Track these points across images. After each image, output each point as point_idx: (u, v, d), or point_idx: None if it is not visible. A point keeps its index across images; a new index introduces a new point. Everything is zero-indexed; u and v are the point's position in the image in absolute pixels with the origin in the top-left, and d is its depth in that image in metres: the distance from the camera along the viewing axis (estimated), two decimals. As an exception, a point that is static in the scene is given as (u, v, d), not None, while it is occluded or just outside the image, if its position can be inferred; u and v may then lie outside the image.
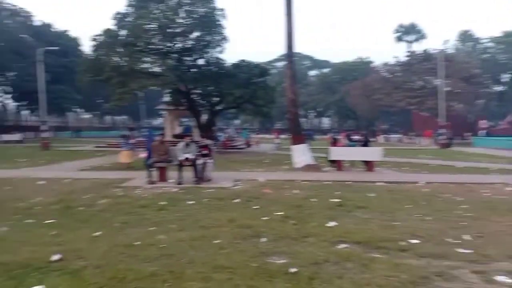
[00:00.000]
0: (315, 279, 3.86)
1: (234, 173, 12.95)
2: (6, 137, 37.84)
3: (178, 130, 31.30)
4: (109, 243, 5.02)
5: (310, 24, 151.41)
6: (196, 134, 23.29)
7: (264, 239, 5.21)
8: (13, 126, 51.66)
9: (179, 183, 10.21)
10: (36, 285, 3.64)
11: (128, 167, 14.51)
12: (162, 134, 12.97)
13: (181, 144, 11.08)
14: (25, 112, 60.89)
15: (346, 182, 10.89)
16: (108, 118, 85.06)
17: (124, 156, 15.28)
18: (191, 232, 5.56)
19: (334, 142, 16.91)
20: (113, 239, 5.23)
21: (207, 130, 24.48)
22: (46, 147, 26.29)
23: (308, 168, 14.08)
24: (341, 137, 21.26)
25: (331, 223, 6.05)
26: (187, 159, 10.62)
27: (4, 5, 50.99)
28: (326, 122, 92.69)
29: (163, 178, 10.97)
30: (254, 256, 4.49)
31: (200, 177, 10.63)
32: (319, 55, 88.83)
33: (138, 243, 5.02)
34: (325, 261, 4.35)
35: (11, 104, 58.29)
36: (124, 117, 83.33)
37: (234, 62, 25.47)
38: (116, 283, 3.73)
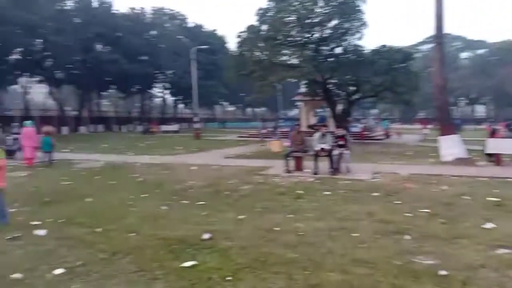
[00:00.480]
0: (469, 285, 3.46)
1: (372, 165, 12.39)
2: (165, 127, 43.58)
3: (313, 120, 31.50)
4: (252, 226, 5.36)
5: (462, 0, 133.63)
6: (331, 125, 23.07)
7: (407, 237, 4.87)
8: (171, 118, 59.31)
9: (315, 173, 10.26)
10: (190, 260, 4.07)
11: (278, 155, 15.18)
12: (298, 125, 13.23)
13: (317, 135, 11.11)
14: (180, 106, 69.21)
15: (507, 179, 9.41)
16: (249, 110, 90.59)
17: (275, 145, 16.49)
18: (329, 222, 5.53)
19: (493, 133, 14.78)
20: (255, 223, 5.55)
21: (342, 120, 24.00)
22: (198, 137, 29.38)
23: (459, 162, 12.61)
24: (500, 127, 18.48)
25: (488, 225, 5.31)
26: (323, 149, 10.59)
27: (164, 10, 58.57)
28: (480, 110, 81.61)
29: (299, 167, 11.18)
30: (397, 254, 4.23)
31: (336, 168, 10.49)
32: (473, 35, 78.35)
33: (278, 228, 5.22)
34: (481, 267, 3.84)
35: (169, 98, 66.83)
36: (263, 109, 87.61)
37: (374, 48, 24.26)
38: (259, 264, 3.95)
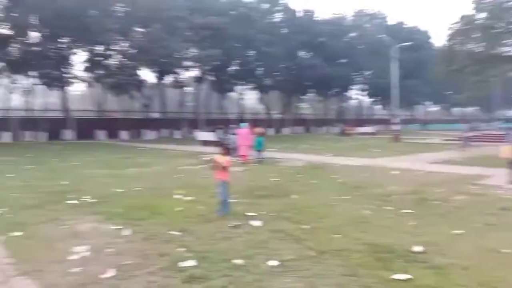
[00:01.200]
0: None
1: None
2: (362, 129, 43.06)
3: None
4: (473, 244, 4.64)
5: None
6: None
7: None
8: (367, 120, 58.38)
9: (555, 188, 8.24)
10: (401, 273, 3.76)
11: (495, 163, 13.06)
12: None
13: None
14: (377, 107, 67.32)
15: None
16: (456, 110, 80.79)
17: (506, 151, 14.00)
18: None
19: None
20: (477, 240, 4.80)
21: None
22: (397, 139, 27.86)
23: None
24: None
25: None
26: None
27: (364, 11, 58.29)
28: None
29: (530, 179, 9.18)
30: None
31: None
32: None
33: (507, 251, 4.37)
34: None
35: (365, 100, 65.87)
36: (474, 108, 76.66)
37: None
38: (487, 291, 3.37)
